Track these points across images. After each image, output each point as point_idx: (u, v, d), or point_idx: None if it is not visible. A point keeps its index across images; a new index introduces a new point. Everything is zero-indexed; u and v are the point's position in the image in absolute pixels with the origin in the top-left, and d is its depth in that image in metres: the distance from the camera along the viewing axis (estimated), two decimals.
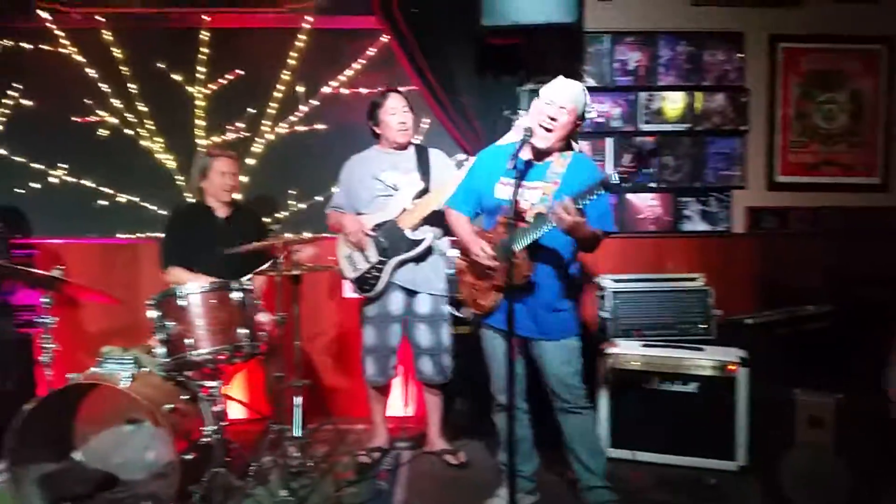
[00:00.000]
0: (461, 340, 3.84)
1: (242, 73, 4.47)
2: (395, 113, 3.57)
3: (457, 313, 3.67)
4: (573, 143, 2.93)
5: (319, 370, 4.53)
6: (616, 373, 3.58)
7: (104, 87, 4.48)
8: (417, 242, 3.54)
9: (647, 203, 4.44)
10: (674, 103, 4.39)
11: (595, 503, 2.98)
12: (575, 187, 2.66)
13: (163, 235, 3.90)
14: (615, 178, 2.50)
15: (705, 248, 4.44)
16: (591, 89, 4.28)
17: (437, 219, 3.57)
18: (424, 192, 3.57)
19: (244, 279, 3.35)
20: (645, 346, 3.66)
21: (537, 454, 3.16)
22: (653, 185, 4.41)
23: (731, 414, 3.46)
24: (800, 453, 3.02)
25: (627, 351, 3.61)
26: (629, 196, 4.42)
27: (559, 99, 2.78)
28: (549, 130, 2.77)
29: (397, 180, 3.60)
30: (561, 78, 2.87)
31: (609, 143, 4.38)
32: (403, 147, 3.65)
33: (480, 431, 3.87)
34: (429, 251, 3.58)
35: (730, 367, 3.49)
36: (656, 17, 4.39)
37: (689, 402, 3.51)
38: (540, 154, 2.86)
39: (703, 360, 3.53)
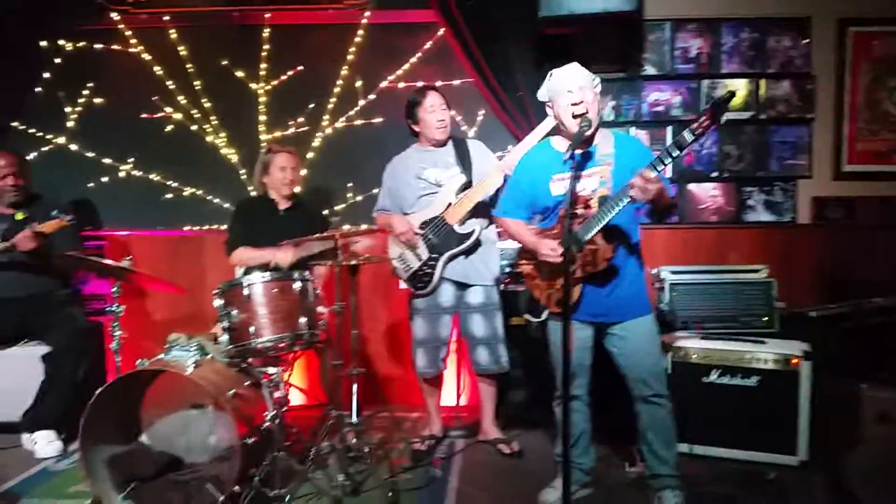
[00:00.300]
0: (514, 331, 3.84)
1: (302, 68, 4.55)
2: (434, 110, 3.56)
3: (533, 319, 3.67)
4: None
5: (375, 359, 4.59)
6: (674, 366, 3.52)
7: (170, 84, 4.61)
8: (467, 236, 3.54)
9: (709, 193, 4.35)
10: (738, 91, 4.29)
11: (659, 490, 2.95)
12: (629, 162, 2.63)
13: (228, 225, 4.00)
14: (689, 137, 2.41)
15: (769, 239, 4.34)
16: (651, 77, 4.31)
17: (482, 210, 3.58)
18: (468, 185, 3.56)
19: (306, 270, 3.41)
20: (705, 338, 3.60)
21: (596, 447, 3.15)
22: (715, 174, 4.33)
23: (792, 408, 3.38)
24: (867, 450, 2.93)
25: (687, 343, 3.55)
26: (690, 186, 4.34)
27: (574, 82, 2.75)
28: (585, 114, 2.73)
29: (440, 176, 3.60)
30: (556, 70, 2.82)
31: (669, 131, 4.31)
32: (443, 143, 3.65)
33: (534, 422, 3.88)
34: (477, 243, 3.58)
35: (793, 360, 3.40)
36: (719, 3, 4.29)
37: (749, 396, 3.44)
38: (585, 141, 2.82)
39: (765, 353, 3.45)
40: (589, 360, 2.97)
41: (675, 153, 2.45)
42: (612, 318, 2.88)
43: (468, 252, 3.58)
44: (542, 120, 3.76)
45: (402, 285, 3.81)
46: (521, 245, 3.04)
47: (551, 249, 2.80)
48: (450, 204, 3.55)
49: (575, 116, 2.74)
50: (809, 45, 4.28)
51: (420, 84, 3.95)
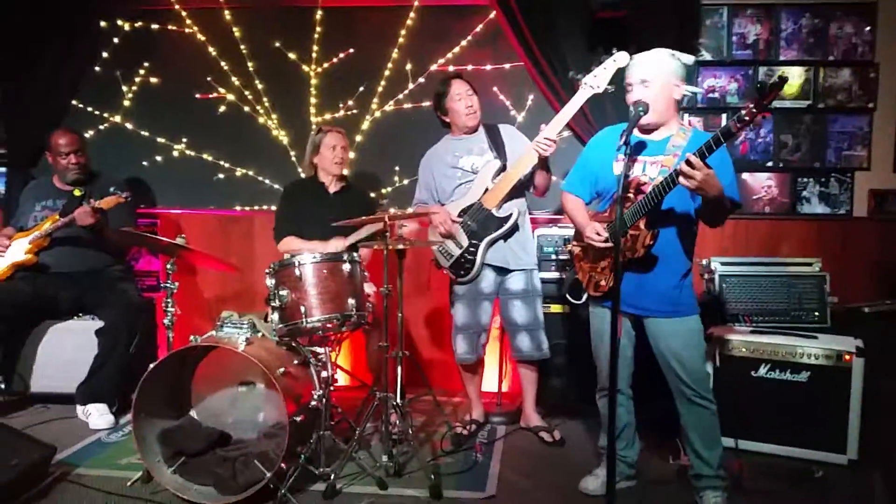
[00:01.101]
0: (556, 318, 3.85)
1: (353, 51, 4.56)
2: (461, 98, 3.57)
3: (574, 300, 3.63)
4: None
5: (420, 342, 4.62)
6: (722, 358, 3.47)
7: (224, 65, 4.66)
8: (505, 219, 3.53)
9: (762, 183, 4.28)
10: (794, 79, 4.19)
11: (701, 489, 2.92)
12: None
13: (276, 210, 4.05)
14: (736, 123, 2.34)
15: (823, 231, 4.24)
16: (706, 63, 4.23)
17: (519, 193, 3.57)
18: (503, 169, 3.55)
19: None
20: (754, 332, 3.54)
21: (639, 440, 3.12)
22: (770, 164, 4.24)
23: (843, 406, 3.30)
24: None
25: (735, 336, 3.50)
26: (744, 176, 4.26)
27: (636, 75, 2.72)
28: (639, 100, 2.70)
29: (475, 163, 3.60)
30: (636, 57, 2.79)
31: (724, 119, 4.24)
32: (474, 130, 3.65)
33: (576, 410, 3.88)
34: (515, 227, 3.57)
35: (846, 356, 3.33)
36: None
37: (798, 392, 3.38)
38: (657, 130, 2.79)
39: (817, 348, 3.38)
40: (630, 350, 2.93)
41: (722, 141, 2.40)
42: (650, 312, 2.84)
43: (507, 236, 3.57)
44: (594, 104, 3.75)
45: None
46: (575, 226, 3.03)
47: (596, 233, 2.79)
48: (486, 189, 3.55)
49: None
50: (873, 32, 4.14)
51: (451, 69, 3.94)
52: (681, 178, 2.48)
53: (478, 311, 3.65)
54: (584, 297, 3.03)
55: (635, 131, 2.76)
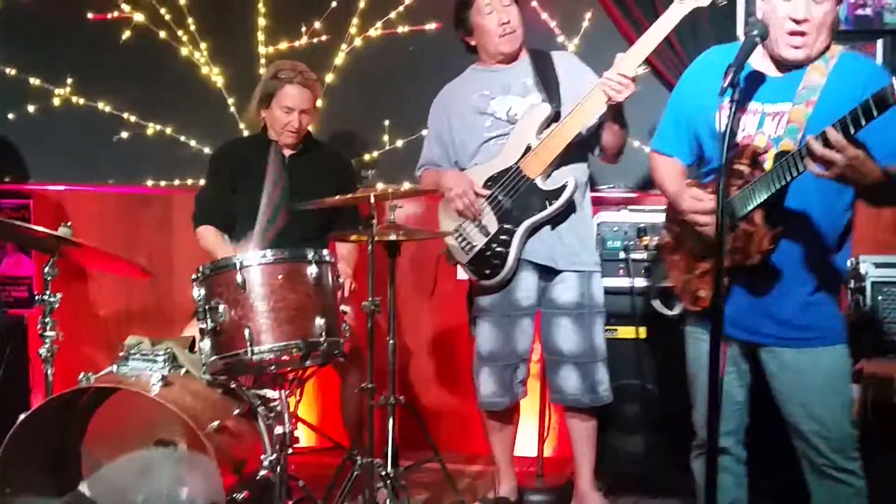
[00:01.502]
0: (626, 347, 3.82)
1: None
2: (493, 10, 3.57)
3: (664, 310, 3.60)
4: None
5: (421, 382, 4.62)
6: (876, 408, 3.42)
7: None
8: (555, 194, 3.51)
9: None
10: None
11: None
12: (843, 104, 2.47)
13: (202, 185, 4.07)
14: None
15: None
16: None
17: (576, 156, 3.54)
18: (555, 118, 3.53)
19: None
20: None
21: None
22: None
23: None
24: None
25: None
26: None
27: None
28: (802, 36, 2.64)
29: (513, 107, 3.59)
30: None
31: (880, 47, 4.19)
32: (513, 58, 3.64)
33: (658, 483, 3.87)
34: (570, 207, 3.56)
35: None
36: None
37: None
38: (795, 66, 2.73)
39: None
40: (742, 394, 2.91)
41: (873, 113, 2.33)
42: (769, 340, 2.80)
43: (557, 220, 3.55)
44: (683, 27, 3.70)
45: (461, 273, 3.80)
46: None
47: (696, 200, 2.73)
48: (528, 148, 3.52)
49: (785, 37, 2.64)
50: None
51: None
52: (808, 163, 2.44)
53: (512, 333, 3.63)
54: (678, 307, 3.00)
55: (758, 60, 2.72)
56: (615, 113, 3.43)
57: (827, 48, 2.72)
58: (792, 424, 2.81)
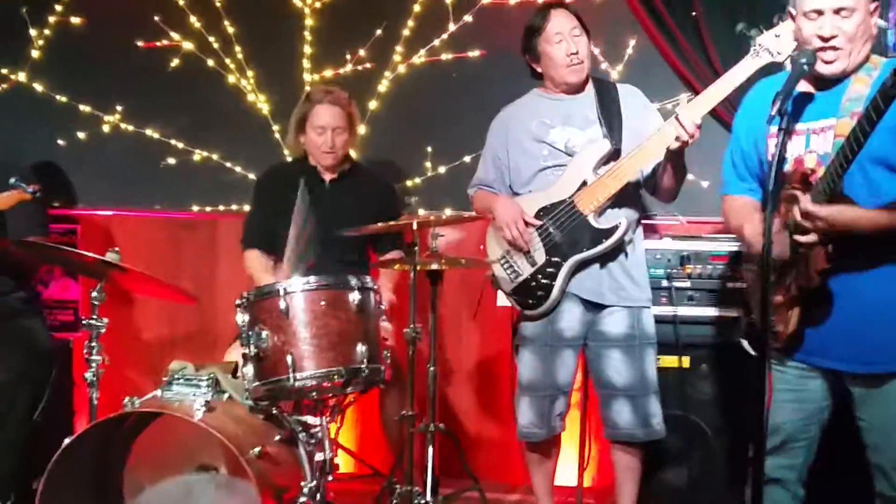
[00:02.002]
0: (668, 377, 3.77)
1: None
2: (563, 39, 3.53)
3: (751, 350, 3.57)
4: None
5: (461, 410, 4.59)
6: None
7: None
8: (607, 233, 3.47)
9: None
10: None
11: None
12: (889, 116, 2.41)
13: (248, 210, 4.09)
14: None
15: None
16: None
17: (631, 196, 3.52)
18: (614, 155, 3.50)
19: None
20: None
21: None
22: None
23: None
24: None
25: None
26: None
27: (826, 2, 2.61)
28: (835, 50, 2.62)
29: (573, 140, 3.55)
30: None
31: None
32: (579, 88, 3.61)
33: None
34: (621, 246, 3.52)
35: None
36: None
37: None
38: (835, 81, 2.70)
39: None
40: (815, 429, 2.84)
41: (874, 117, 2.32)
42: (851, 367, 2.72)
43: (606, 258, 3.52)
44: (727, 55, 3.69)
45: (503, 301, 3.78)
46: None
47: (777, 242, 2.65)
48: (584, 183, 3.49)
49: (817, 53, 2.63)
50: None
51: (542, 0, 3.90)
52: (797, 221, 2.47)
53: (554, 364, 3.60)
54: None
55: (801, 83, 2.68)
56: (679, 156, 3.38)
57: (867, 59, 2.70)
58: (871, 453, 2.74)
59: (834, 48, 2.62)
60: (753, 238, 2.80)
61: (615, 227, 3.47)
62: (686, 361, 3.85)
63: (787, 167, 2.68)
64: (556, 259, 3.52)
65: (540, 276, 3.55)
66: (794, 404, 2.78)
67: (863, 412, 2.75)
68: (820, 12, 2.62)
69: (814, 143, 2.69)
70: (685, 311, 3.86)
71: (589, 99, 3.60)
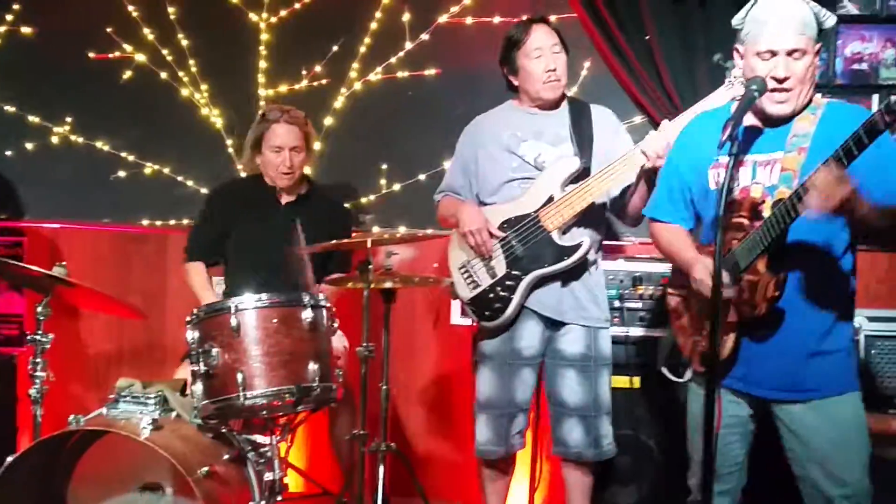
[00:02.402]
0: (618, 397, 3.77)
1: None
2: (542, 55, 3.53)
3: (671, 376, 3.61)
4: None
5: (413, 429, 4.57)
6: (875, 464, 3.37)
7: (132, 9, 4.66)
8: (568, 251, 3.48)
9: None
10: None
11: None
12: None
13: (194, 222, 4.08)
14: (885, 114, 2.31)
15: None
16: (852, 20, 4.19)
17: (596, 216, 3.53)
18: (583, 174, 3.51)
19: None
20: None
21: None
22: None
23: None
24: None
25: (892, 432, 3.48)
26: None
27: (782, 42, 2.65)
28: (787, 91, 2.67)
29: (543, 154, 3.56)
30: (765, 6, 2.70)
31: (875, 102, 4.20)
32: (553, 105, 3.62)
33: None
34: (583, 266, 3.53)
35: None
36: None
37: None
38: (782, 120, 2.75)
39: None
40: (743, 455, 2.88)
41: (877, 133, 2.35)
42: (781, 395, 2.77)
43: (568, 276, 3.53)
44: (681, 79, 3.72)
45: (457, 319, 3.76)
46: (673, 266, 3.00)
47: (709, 274, 2.68)
48: (551, 198, 3.50)
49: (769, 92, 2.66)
50: None
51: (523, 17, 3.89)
52: (811, 198, 2.44)
53: (512, 382, 3.59)
54: (689, 372, 3.00)
55: (748, 117, 2.71)
56: (648, 179, 3.39)
57: (811, 100, 2.75)
58: (807, 481, 2.77)
59: (786, 90, 2.66)
60: (686, 262, 2.83)
61: (578, 246, 3.48)
62: (637, 382, 3.87)
63: (734, 196, 2.71)
64: (516, 272, 3.53)
65: (499, 289, 3.55)
66: (724, 429, 2.77)
67: (791, 441, 2.79)
68: (774, 53, 2.65)
69: (760, 175, 2.73)
70: (636, 331, 3.88)
71: (562, 116, 3.61)
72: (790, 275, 2.64)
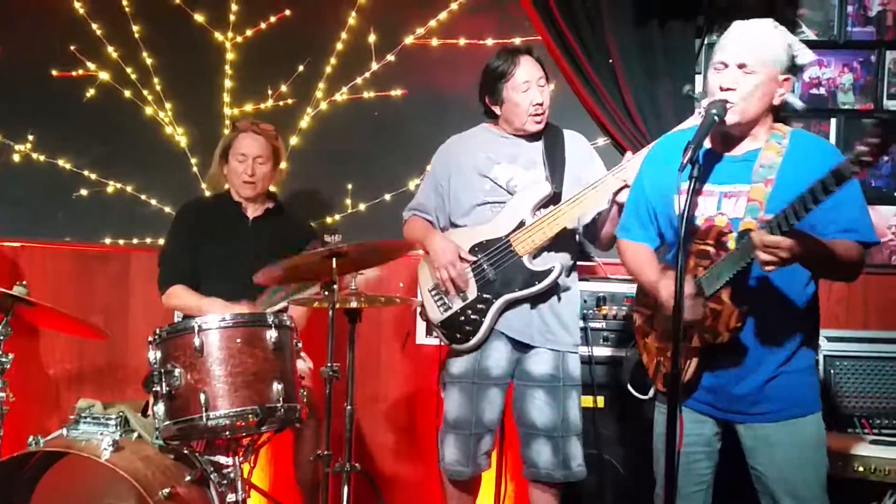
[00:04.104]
0: (587, 417, 3.76)
1: (290, 13, 4.58)
2: (529, 88, 3.54)
3: (637, 394, 3.61)
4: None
5: (378, 450, 4.54)
6: (832, 482, 3.37)
7: (96, 28, 4.65)
8: (539, 276, 3.48)
9: (889, 222, 4.31)
10: None
11: None
12: (801, 181, 2.52)
13: (163, 245, 4.01)
14: (853, 164, 2.31)
15: None
16: (810, 45, 4.22)
17: (568, 241, 3.54)
18: (554, 199, 3.51)
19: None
20: (876, 442, 3.53)
21: None
22: None
23: None
24: None
25: (850, 450, 3.46)
26: None
27: (732, 55, 2.70)
28: (727, 102, 2.69)
29: (516, 179, 3.57)
30: (735, 24, 2.77)
31: (833, 126, 4.28)
32: (533, 136, 3.62)
33: None
34: (553, 290, 3.53)
35: None
36: None
37: None
38: (737, 141, 2.78)
39: None
40: (708, 472, 2.89)
41: (832, 190, 2.36)
42: (743, 418, 2.80)
43: (538, 300, 3.53)
44: (643, 101, 3.74)
45: (422, 339, 3.75)
46: (639, 284, 3.01)
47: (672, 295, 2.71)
48: (522, 223, 3.50)
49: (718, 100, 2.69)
50: None
51: (515, 41, 3.93)
52: (758, 254, 2.49)
53: (480, 403, 3.58)
54: (652, 390, 3.02)
55: (706, 141, 2.73)
56: (621, 205, 3.37)
57: (759, 121, 2.76)
58: (771, 501, 2.80)
59: (726, 100, 2.67)
60: (650, 283, 2.87)
61: (549, 271, 3.48)
62: (601, 401, 3.86)
63: (697, 223, 2.74)
64: (487, 296, 3.52)
65: (469, 312, 3.54)
66: (689, 447, 2.78)
67: (754, 460, 2.81)
68: (725, 65, 2.69)
69: (725, 206, 2.75)
70: (601, 351, 3.88)
71: (536, 142, 3.61)
72: (753, 306, 2.67)
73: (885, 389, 3.73)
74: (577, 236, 3.64)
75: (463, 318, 3.55)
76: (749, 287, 2.69)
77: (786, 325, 2.78)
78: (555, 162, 3.55)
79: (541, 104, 3.53)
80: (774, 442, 2.77)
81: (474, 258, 3.53)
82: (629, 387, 3.71)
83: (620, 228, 3.06)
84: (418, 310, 3.72)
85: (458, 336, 3.56)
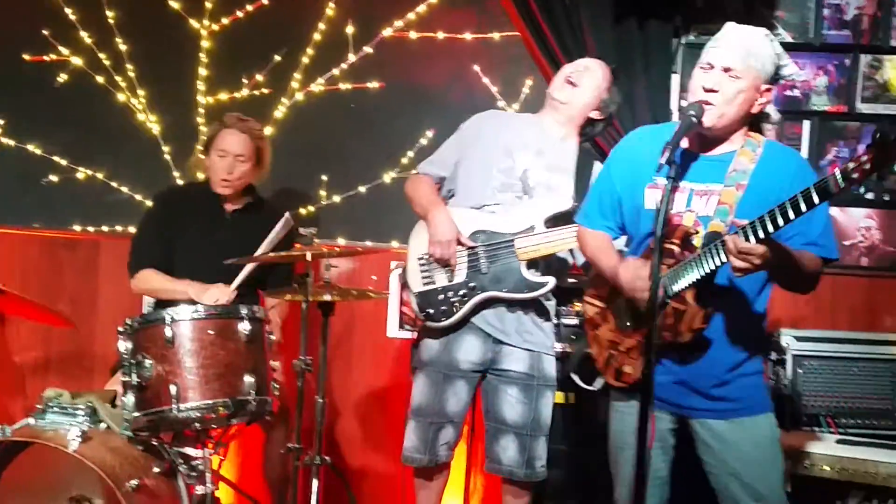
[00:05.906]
0: (558, 413, 3.74)
1: (266, 2, 4.56)
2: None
3: (582, 384, 3.60)
4: (766, 128, 2.88)
5: (348, 443, 4.55)
6: (796, 481, 3.41)
7: (69, 12, 4.61)
8: (532, 286, 3.47)
9: (859, 223, 4.33)
10: None
11: None
12: (771, 191, 2.59)
13: (137, 229, 3.99)
14: (839, 180, 2.34)
15: None
16: (785, 47, 4.21)
17: (563, 265, 3.57)
18: (565, 218, 3.48)
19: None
20: (842, 442, 3.55)
21: None
22: (869, 196, 4.29)
23: None
24: None
25: (815, 449, 3.47)
26: (833, 212, 4.27)
27: (720, 58, 2.71)
28: (708, 104, 2.70)
29: (538, 175, 3.54)
30: (728, 26, 2.79)
31: (806, 128, 4.29)
32: (568, 135, 3.60)
33: None
34: (538, 301, 3.53)
35: None
36: None
37: None
38: (713, 143, 2.79)
39: None
40: (666, 469, 2.91)
41: (812, 205, 2.39)
42: (697, 413, 2.83)
43: (519, 305, 3.52)
44: (622, 98, 3.73)
45: (393, 332, 3.79)
46: (595, 272, 3.00)
47: (639, 280, 2.72)
48: (531, 228, 3.48)
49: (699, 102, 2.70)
50: None
51: None
52: (732, 260, 2.51)
53: (445, 392, 3.55)
54: (599, 381, 3.02)
55: (683, 141, 2.74)
56: None
57: (739, 129, 2.79)
58: (727, 497, 2.81)
59: (708, 102, 2.69)
60: (610, 269, 2.86)
61: (542, 284, 3.47)
62: (572, 397, 3.84)
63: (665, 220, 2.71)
64: (472, 285, 3.49)
65: (450, 293, 3.51)
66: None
67: (709, 456, 2.83)
68: (712, 66, 2.70)
69: (695, 204, 2.75)
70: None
71: (571, 149, 3.60)
72: (716, 308, 2.69)
73: (851, 389, 3.75)
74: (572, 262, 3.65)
75: (442, 296, 3.51)
76: (715, 289, 2.70)
77: (743, 327, 2.80)
78: (580, 179, 3.54)
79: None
80: (729, 437, 2.79)
81: (472, 244, 3.50)
82: (574, 377, 3.69)
83: (582, 215, 3.06)
84: (398, 272, 3.69)
85: (431, 312, 3.52)
